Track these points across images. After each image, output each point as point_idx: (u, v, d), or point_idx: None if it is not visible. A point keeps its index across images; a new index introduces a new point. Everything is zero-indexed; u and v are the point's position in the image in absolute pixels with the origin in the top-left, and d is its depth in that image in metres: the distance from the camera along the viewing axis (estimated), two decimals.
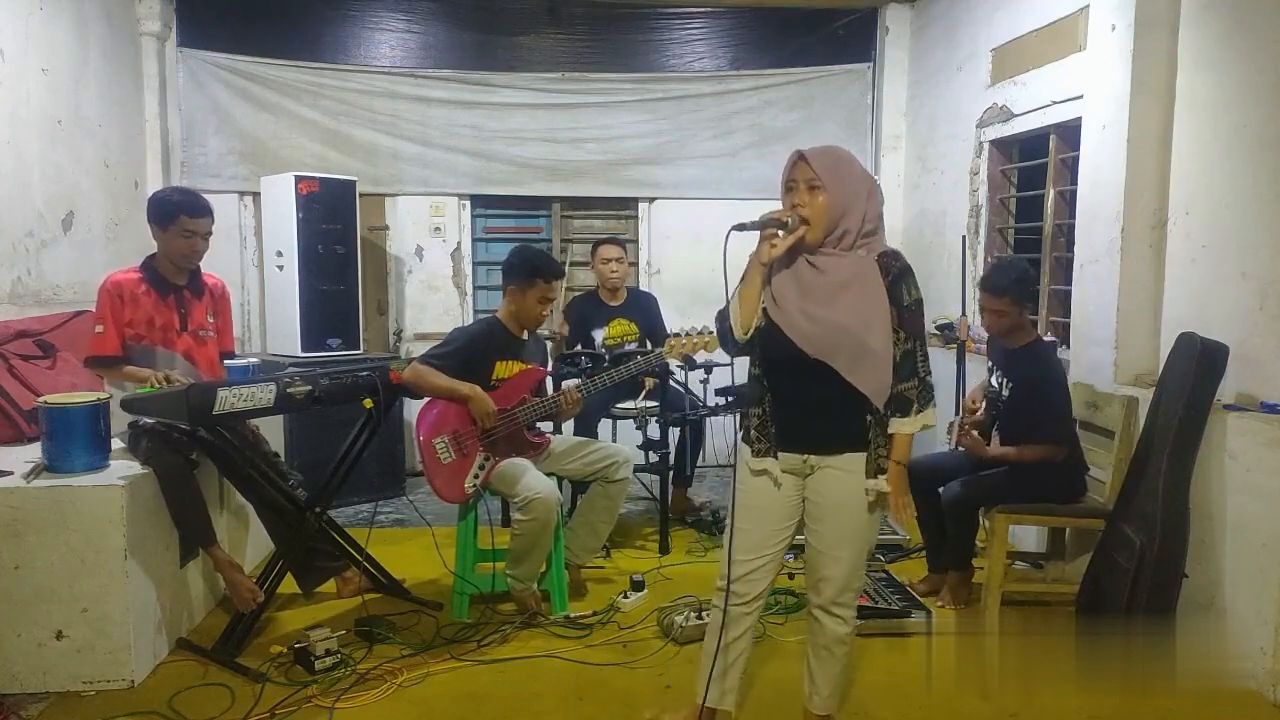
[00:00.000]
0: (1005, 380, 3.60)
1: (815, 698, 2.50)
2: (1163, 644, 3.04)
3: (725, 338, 2.36)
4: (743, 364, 2.49)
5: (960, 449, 3.72)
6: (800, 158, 2.25)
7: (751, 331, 2.29)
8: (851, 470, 2.31)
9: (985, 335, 4.78)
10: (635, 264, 6.10)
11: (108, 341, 3.24)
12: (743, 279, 2.30)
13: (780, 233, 2.23)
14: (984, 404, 3.74)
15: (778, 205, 2.30)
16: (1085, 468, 3.59)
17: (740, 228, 2.24)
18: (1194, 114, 3.40)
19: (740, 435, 2.47)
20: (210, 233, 3.34)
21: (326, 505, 3.47)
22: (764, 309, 2.29)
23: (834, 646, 2.44)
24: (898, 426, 2.30)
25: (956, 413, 4.51)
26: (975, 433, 3.61)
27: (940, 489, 3.63)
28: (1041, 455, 3.41)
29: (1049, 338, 4.16)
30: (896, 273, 2.27)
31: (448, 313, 6.03)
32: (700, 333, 3.59)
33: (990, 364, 3.75)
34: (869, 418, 2.29)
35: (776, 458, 2.36)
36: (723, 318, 2.35)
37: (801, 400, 2.31)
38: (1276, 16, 3.03)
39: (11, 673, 2.84)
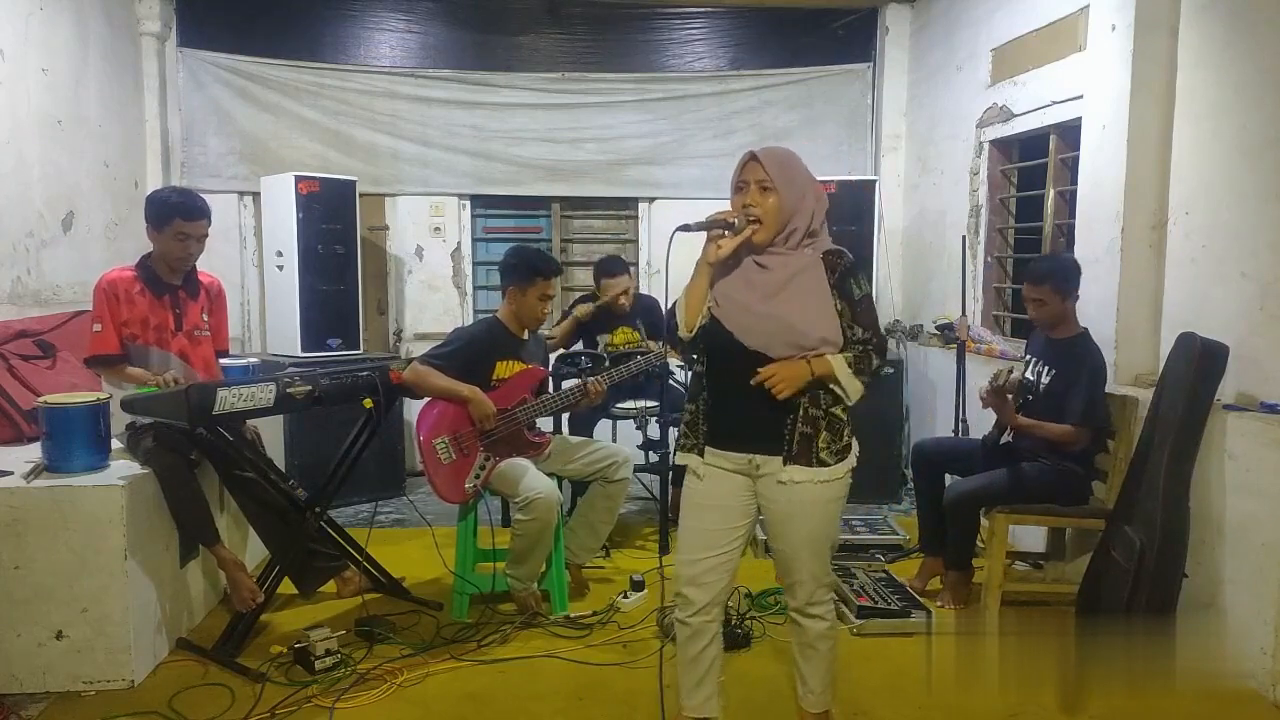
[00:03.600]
0: (1046, 368, 3.57)
1: (809, 696, 2.50)
2: (1163, 644, 3.03)
3: (673, 334, 2.37)
4: None
5: (986, 398, 3.65)
6: (752, 158, 2.29)
7: (696, 329, 2.30)
8: (796, 480, 2.28)
9: (985, 335, 4.80)
10: (635, 264, 6.10)
11: (108, 340, 3.22)
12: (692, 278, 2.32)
13: (726, 233, 2.25)
14: (1013, 395, 3.72)
15: None
16: (1093, 475, 3.58)
17: (685, 228, 2.28)
18: (1194, 114, 3.40)
19: None
20: (205, 235, 3.31)
21: (326, 505, 3.47)
22: (709, 308, 2.31)
23: (817, 643, 2.45)
24: (837, 361, 2.24)
25: (957, 411, 4.51)
26: (1010, 396, 3.56)
27: (946, 476, 3.62)
28: (1068, 436, 3.40)
29: None
30: (843, 269, 2.29)
31: (448, 313, 6.04)
32: None
33: (1027, 356, 3.73)
34: (800, 410, 2.25)
35: (702, 455, 2.37)
36: (671, 314, 2.38)
37: (739, 396, 2.29)
38: (1276, 17, 3.03)
39: (11, 673, 2.84)
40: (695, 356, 2.41)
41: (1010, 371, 3.69)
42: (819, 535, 2.35)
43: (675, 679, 2.93)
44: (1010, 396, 3.64)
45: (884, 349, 2.34)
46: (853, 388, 2.26)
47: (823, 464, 2.28)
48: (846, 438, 2.33)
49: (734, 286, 2.30)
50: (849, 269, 2.30)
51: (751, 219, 2.24)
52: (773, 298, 2.25)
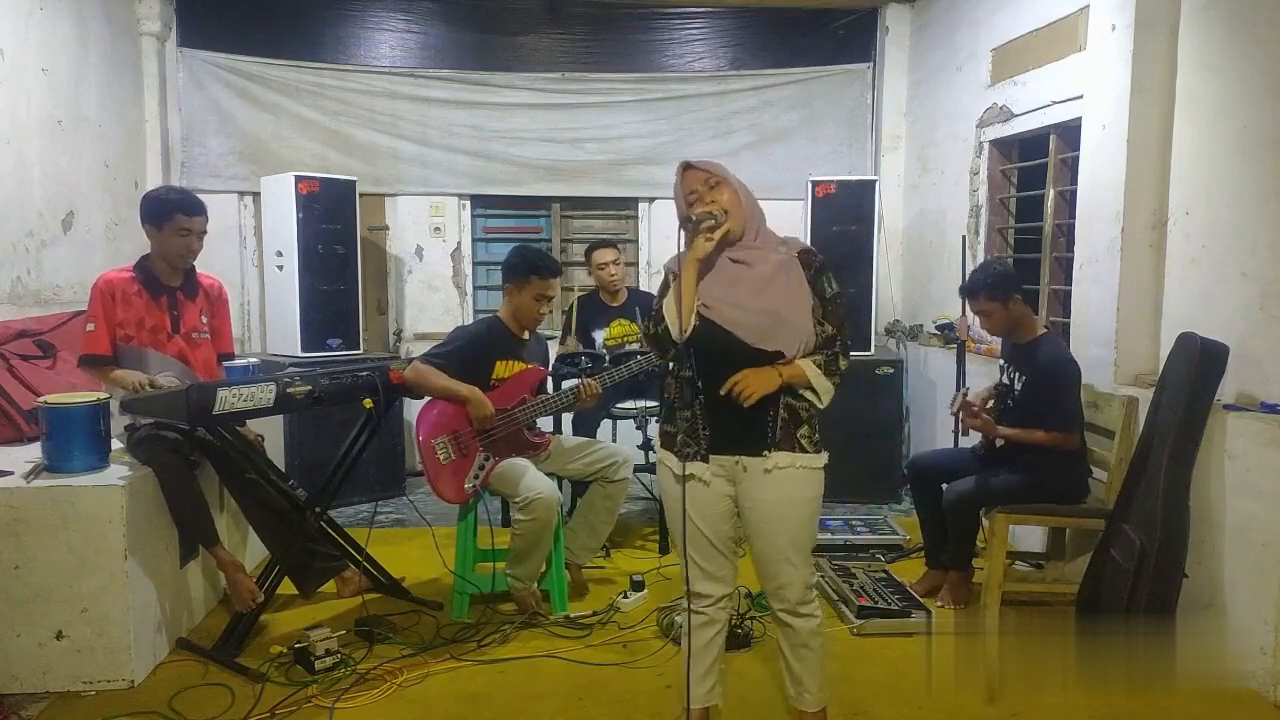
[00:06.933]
0: (1017, 374, 3.60)
1: (805, 696, 2.50)
2: (1163, 644, 3.03)
3: (661, 341, 2.36)
4: None
5: (963, 420, 3.69)
6: (688, 166, 2.39)
7: (690, 330, 2.30)
8: (781, 465, 2.32)
9: (985, 336, 4.80)
10: (634, 264, 6.10)
11: (99, 341, 3.21)
12: (669, 282, 2.35)
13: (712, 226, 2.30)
14: (992, 401, 3.74)
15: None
16: (1089, 470, 3.59)
17: (686, 224, 2.32)
18: (1194, 114, 3.40)
19: (660, 441, 2.48)
20: (205, 231, 3.31)
21: (326, 505, 3.47)
22: (699, 311, 2.32)
23: (810, 641, 2.46)
24: (806, 364, 2.31)
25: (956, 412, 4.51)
26: (990, 404, 3.60)
27: (943, 486, 3.63)
28: (1053, 441, 3.41)
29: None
30: (817, 267, 2.38)
31: (448, 313, 6.04)
32: None
33: (1002, 363, 3.75)
34: (780, 402, 2.30)
35: (707, 461, 2.36)
36: (656, 321, 2.36)
37: (729, 398, 2.29)
38: (1276, 17, 3.03)
39: (11, 673, 2.85)
40: (684, 365, 2.40)
41: (965, 393, 3.73)
42: (801, 535, 2.38)
43: (675, 679, 2.95)
44: (990, 404, 3.67)
45: (848, 349, 2.40)
46: (823, 388, 2.32)
47: (804, 450, 2.33)
48: (820, 433, 2.39)
49: (719, 286, 2.33)
50: (822, 266, 2.39)
51: (723, 210, 2.30)
52: (762, 293, 2.31)
